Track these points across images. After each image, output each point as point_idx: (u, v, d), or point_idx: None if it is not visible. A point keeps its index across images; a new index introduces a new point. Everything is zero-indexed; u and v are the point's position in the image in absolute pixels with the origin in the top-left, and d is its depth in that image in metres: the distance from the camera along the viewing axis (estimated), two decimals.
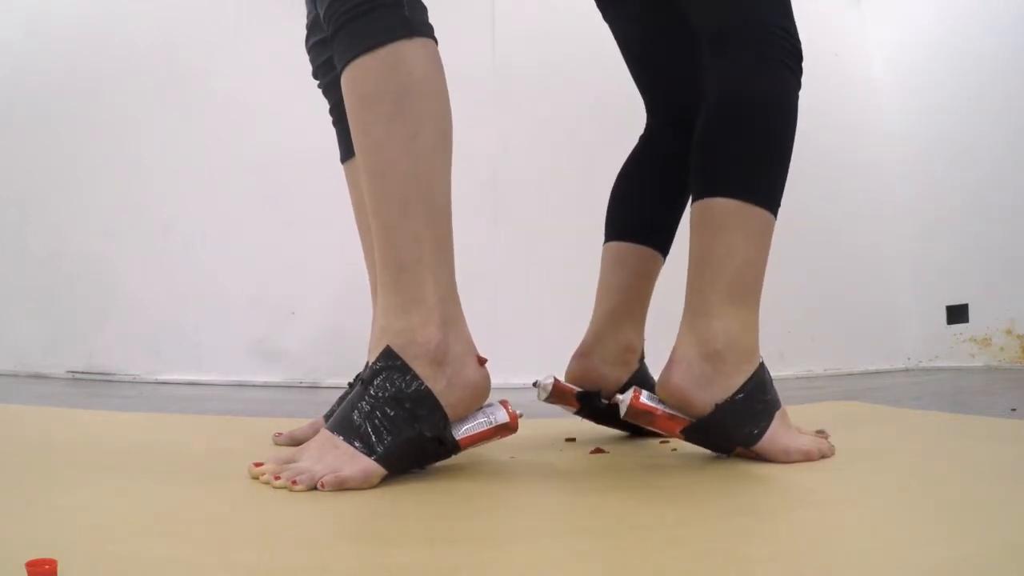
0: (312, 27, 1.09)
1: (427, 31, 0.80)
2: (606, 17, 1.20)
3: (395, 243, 0.77)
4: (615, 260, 1.12)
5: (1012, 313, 2.50)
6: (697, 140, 0.92)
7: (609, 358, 1.08)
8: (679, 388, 0.84)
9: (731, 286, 0.86)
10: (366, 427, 0.72)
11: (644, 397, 0.86)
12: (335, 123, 1.12)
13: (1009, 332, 2.51)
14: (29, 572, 0.40)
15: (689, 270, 0.90)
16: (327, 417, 1.02)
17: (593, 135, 2.47)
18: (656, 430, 0.88)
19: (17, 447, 0.91)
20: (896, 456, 0.93)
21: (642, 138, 1.18)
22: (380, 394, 0.73)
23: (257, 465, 0.73)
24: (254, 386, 2.23)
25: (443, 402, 0.75)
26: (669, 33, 1.11)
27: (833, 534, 0.55)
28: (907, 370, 2.76)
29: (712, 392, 0.84)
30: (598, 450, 0.97)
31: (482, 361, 0.80)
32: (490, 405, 0.81)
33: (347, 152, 1.11)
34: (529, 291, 2.42)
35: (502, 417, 0.80)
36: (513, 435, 0.82)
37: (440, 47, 0.82)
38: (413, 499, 0.67)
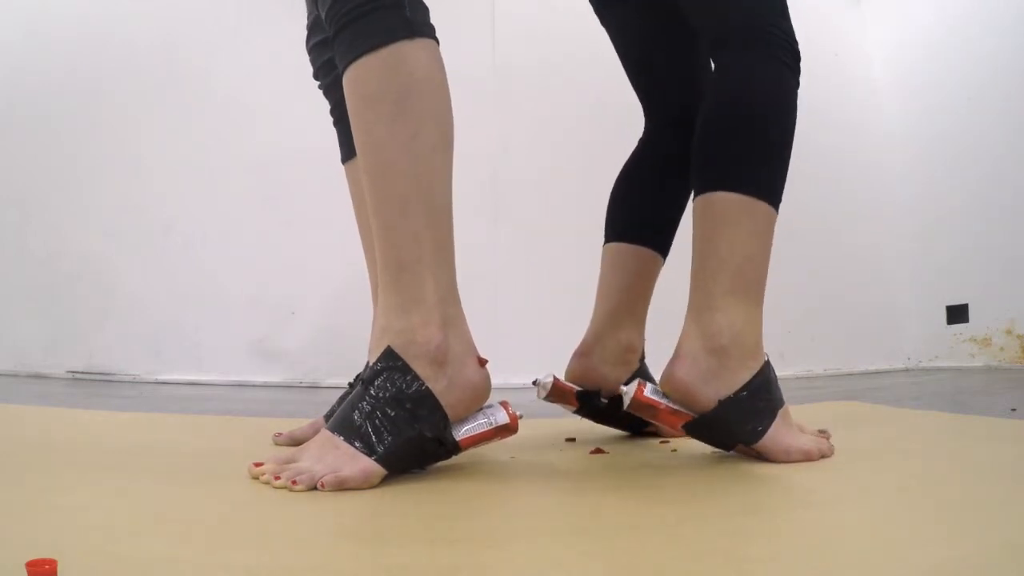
0: (313, 28, 1.09)
1: (429, 31, 0.80)
2: (603, 20, 1.21)
3: (395, 243, 0.77)
4: (615, 261, 1.12)
5: (1012, 313, 2.50)
6: (698, 137, 0.93)
7: (609, 358, 1.08)
8: (683, 382, 0.84)
9: (734, 280, 0.86)
10: (366, 427, 0.72)
11: (648, 390, 0.86)
12: (336, 123, 1.12)
13: (1009, 332, 2.51)
14: (29, 572, 0.40)
15: (692, 265, 0.90)
16: (327, 417, 1.02)
17: (593, 135, 2.47)
18: (658, 424, 0.88)
19: (17, 447, 0.91)
20: (896, 456, 0.92)
21: (641, 141, 1.19)
22: (381, 394, 0.73)
23: (257, 465, 0.73)
24: (254, 386, 2.23)
25: (443, 402, 0.75)
26: (668, 31, 1.11)
27: (833, 534, 0.55)
28: (907, 370, 2.76)
29: (716, 387, 0.84)
30: (598, 450, 0.97)
31: (483, 362, 0.80)
32: (490, 406, 0.81)
33: (348, 152, 1.11)
34: (529, 291, 2.42)
35: (502, 418, 0.80)
36: (513, 435, 0.82)
37: (440, 47, 0.82)
38: (413, 499, 0.67)
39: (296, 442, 0.97)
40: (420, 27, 0.79)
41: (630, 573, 0.46)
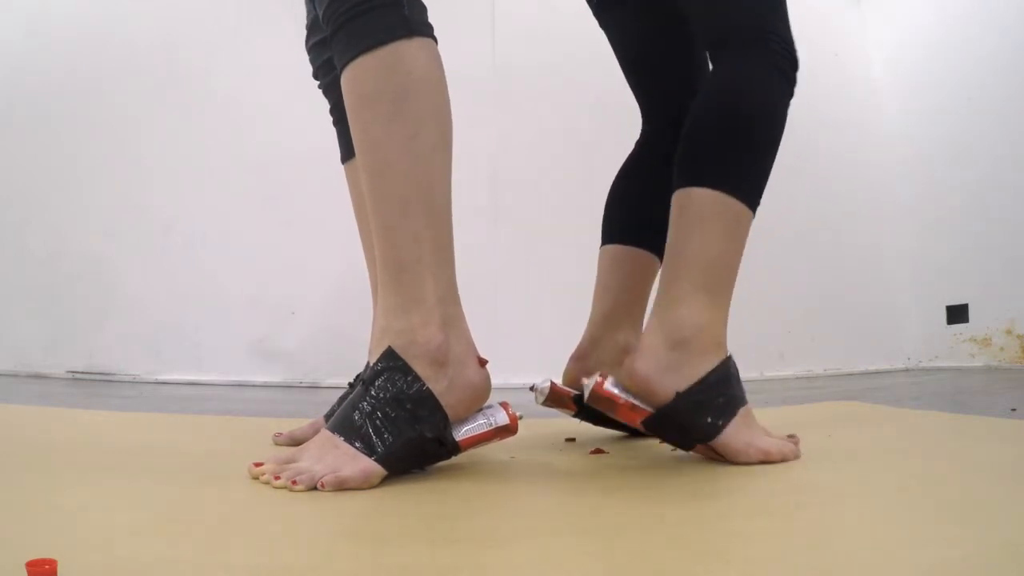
0: (312, 27, 1.09)
1: (427, 31, 0.80)
2: (601, 22, 1.21)
3: (395, 243, 0.77)
4: (612, 263, 1.12)
5: (1012, 313, 2.50)
6: (683, 133, 0.93)
7: (606, 361, 1.08)
8: (643, 375, 0.83)
9: (703, 276, 0.86)
10: (367, 427, 0.72)
11: (608, 384, 0.86)
12: (335, 123, 1.12)
13: (1009, 332, 2.51)
14: (29, 572, 0.40)
15: (664, 259, 0.91)
16: (327, 417, 1.02)
17: (593, 135, 2.47)
18: (617, 419, 0.88)
19: (17, 447, 0.91)
20: (896, 456, 0.92)
21: (638, 143, 1.19)
22: (381, 395, 0.73)
23: (257, 465, 0.73)
24: (254, 386, 2.23)
25: (444, 403, 0.75)
26: (666, 34, 1.11)
27: (833, 534, 0.55)
28: (907, 370, 2.76)
29: (675, 380, 0.83)
30: (598, 450, 0.97)
31: (483, 362, 0.80)
32: (490, 407, 0.81)
33: (347, 152, 1.11)
34: (529, 291, 2.42)
35: (502, 419, 0.80)
36: (513, 436, 0.82)
37: (440, 47, 0.82)
38: (413, 499, 0.67)
39: (296, 442, 0.97)
40: (418, 26, 0.79)
41: (630, 573, 0.46)
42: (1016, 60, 2.48)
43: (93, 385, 2.08)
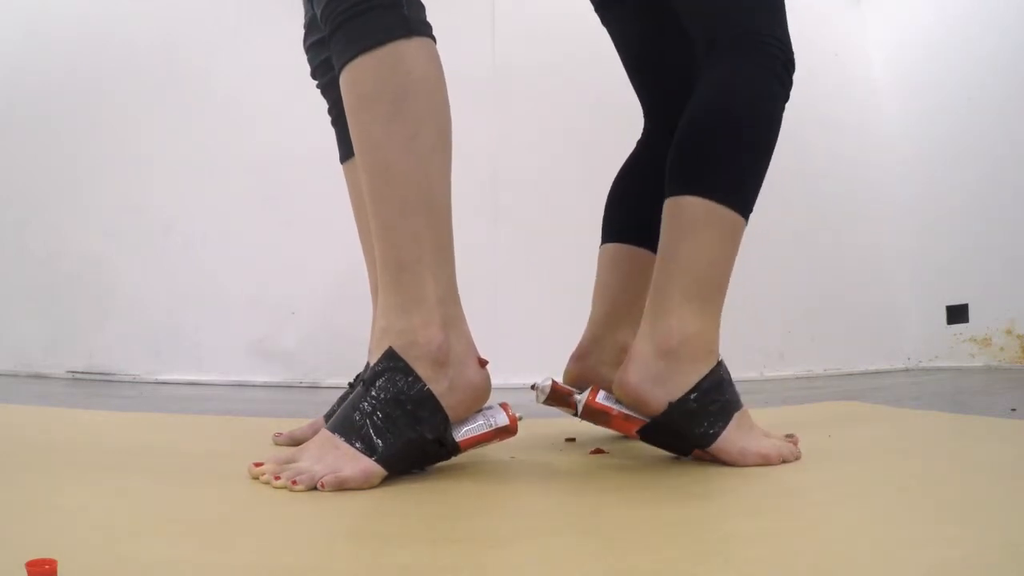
0: (310, 27, 1.09)
1: (426, 30, 0.80)
2: (604, 20, 1.20)
3: (395, 243, 0.77)
4: (612, 262, 1.12)
5: (1012, 313, 2.50)
6: (677, 136, 0.92)
7: (607, 360, 1.07)
8: (633, 386, 0.83)
9: (693, 285, 0.86)
10: (367, 428, 0.72)
11: (600, 397, 0.86)
12: (334, 123, 1.12)
13: (1009, 332, 2.51)
14: (29, 572, 0.40)
15: (655, 266, 0.90)
16: (327, 417, 1.02)
17: (593, 135, 2.47)
18: (612, 430, 0.88)
19: (17, 447, 0.91)
20: (896, 456, 0.92)
21: (640, 141, 1.19)
22: (382, 395, 0.73)
23: (257, 465, 0.73)
24: (254, 386, 2.23)
25: (444, 404, 0.75)
26: (667, 32, 1.11)
27: (833, 534, 0.55)
28: (907, 370, 2.76)
29: (666, 390, 0.83)
30: (598, 450, 0.97)
31: (483, 363, 0.80)
32: (490, 407, 0.81)
33: (346, 152, 1.11)
34: (529, 291, 2.42)
35: (502, 420, 0.80)
36: (513, 437, 0.82)
37: (440, 47, 0.82)
38: (413, 499, 0.67)
39: (296, 442, 0.97)
40: (417, 26, 0.79)
41: (630, 573, 0.46)
42: (1016, 60, 2.48)
43: (93, 385, 2.08)
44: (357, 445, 0.71)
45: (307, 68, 1.13)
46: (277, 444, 1.00)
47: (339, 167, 1.15)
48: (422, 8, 0.81)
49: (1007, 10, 2.52)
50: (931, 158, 2.78)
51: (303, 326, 2.34)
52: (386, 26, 0.76)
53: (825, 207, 2.80)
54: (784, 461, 0.85)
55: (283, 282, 2.35)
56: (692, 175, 0.88)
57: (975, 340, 2.61)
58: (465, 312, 0.81)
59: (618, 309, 1.09)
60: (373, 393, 0.74)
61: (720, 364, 0.86)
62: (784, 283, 2.65)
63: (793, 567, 0.47)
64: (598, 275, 1.13)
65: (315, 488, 0.68)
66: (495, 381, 0.82)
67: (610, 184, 1.18)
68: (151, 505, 0.62)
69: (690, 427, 0.83)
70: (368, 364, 0.78)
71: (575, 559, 0.50)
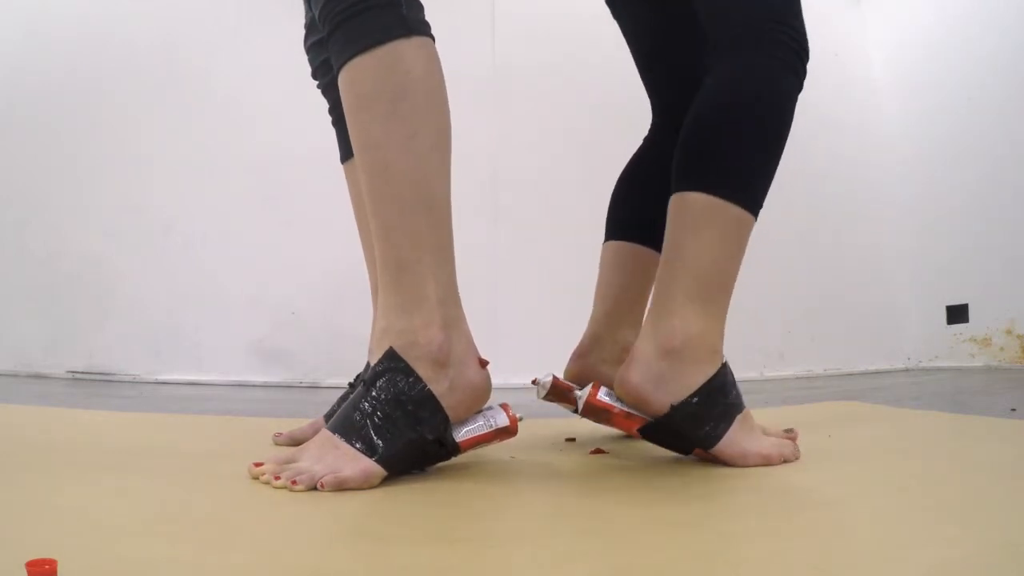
0: (310, 27, 1.09)
1: (425, 29, 0.80)
2: (614, 12, 1.18)
3: (395, 243, 0.77)
4: (615, 260, 1.11)
5: (1012, 313, 2.50)
6: (684, 131, 0.90)
7: (608, 358, 1.07)
8: (635, 386, 0.82)
9: (697, 284, 0.84)
10: (367, 428, 0.72)
11: (602, 394, 0.85)
12: (334, 123, 1.12)
13: (1009, 332, 2.51)
14: (29, 572, 0.40)
15: (660, 264, 0.88)
16: (327, 417, 1.02)
17: (593, 135, 2.47)
18: (613, 428, 0.88)
19: (17, 447, 0.91)
20: (896, 456, 0.92)
21: (647, 138, 1.17)
22: (382, 395, 0.73)
23: (257, 465, 0.73)
24: (254, 386, 2.23)
25: (445, 404, 0.75)
26: (680, 25, 1.08)
27: (833, 534, 0.55)
28: (907, 370, 2.76)
29: (669, 392, 0.82)
30: (598, 450, 0.97)
31: (483, 363, 0.80)
32: (490, 408, 0.81)
33: (347, 152, 1.11)
34: (529, 291, 2.42)
35: (502, 420, 0.80)
36: (513, 437, 0.82)
37: (440, 47, 0.82)
38: (413, 499, 0.67)
39: (296, 442, 0.97)
40: (416, 25, 0.78)
41: (630, 573, 0.46)
42: (1016, 60, 2.48)
43: (93, 385, 2.08)
44: (357, 445, 0.71)
45: (307, 68, 1.13)
46: (277, 444, 1.00)
47: (339, 167, 1.15)
48: (421, 8, 0.81)
49: (1007, 10, 2.52)
50: (931, 158, 2.78)
51: (303, 326, 2.34)
52: (384, 25, 0.76)
53: (825, 207, 2.80)
54: (785, 461, 0.85)
55: (283, 282, 2.35)
56: (698, 170, 0.86)
57: (975, 340, 2.61)
58: (465, 312, 0.81)
59: (620, 308, 1.09)
60: (373, 393, 0.74)
61: (724, 366, 0.85)
62: (784, 283, 2.65)
63: (793, 567, 0.47)
64: (600, 273, 1.13)
65: (315, 488, 0.68)
66: (495, 381, 0.82)
67: (610, 183, 1.17)
68: (151, 505, 0.62)
69: (692, 429, 0.83)
70: (368, 364, 0.78)
71: (575, 559, 0.50)
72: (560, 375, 1.07)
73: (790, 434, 0.92)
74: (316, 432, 0.80)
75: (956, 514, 0.60)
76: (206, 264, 2.33)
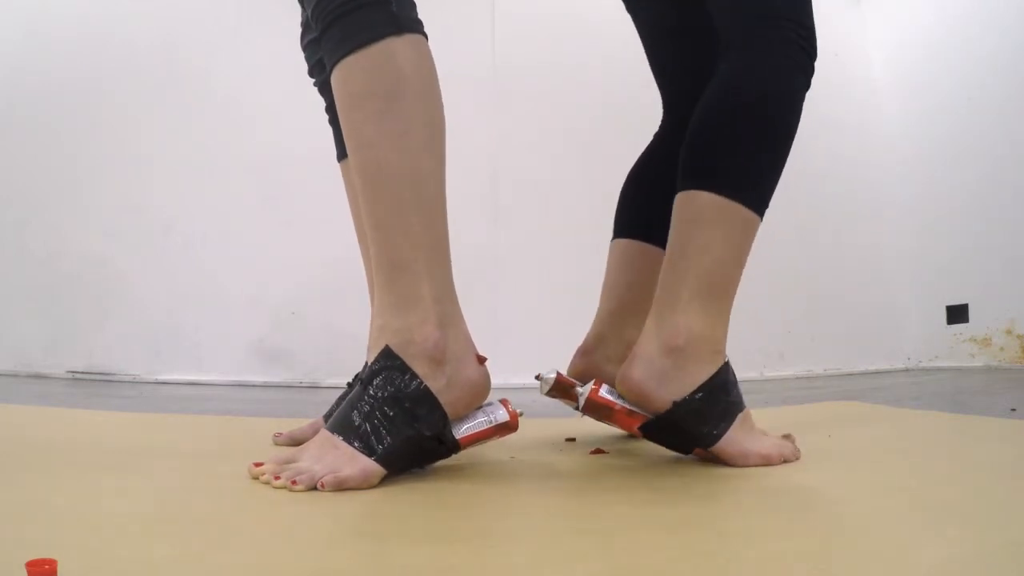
0: (307, 25, 1.09)
1: (417, 27, 0.80)
2: (628, 7, 1.18)
3: (390, 242, 0.77)
4: (622, 257, 1.10)
5: (1012, 313, 2.50)
6: (691, 129, 0.90)
7: (612, 356, 1.07)
8: (637, 383, 0.83)
9: (702, 283, 0.84)
10: (365, 427, 0.72)
11: (604, 391, 0.85)
12: (331, 122, 1.12)
13: (1009, 332, 2.51)
14: (29, 572, 0.40)
15: (664, 263, 0.88)
16: (327, 417, 1.02)
17: (593, 135, 2.47)
18: (614, 426, 0.88)
19: (17, 447, 0.91)
20: (896, 456, 0.92)
21: (657, 134, 1.17)
22: (379, 394, 0.73)
23: (257, 465, 0.73)
24: (254, 386, 2.23)
25: (442, 401, 0.75)
26: (693, 21, 1.08)
27: (833, 534, 0.55)
28: (907, 370, 2.76)
29: (671, 389, 0.82)
30: (598, 450, 0.97)
31: (482, 360, 0.80)
32: (490, 404, 0.81)
33: (343, 151, 1.11)
34: (529, 291, 2.42)
35: (502, 416, 0.80)
36: (513, 435, 0.82)
37: (440, 46, 0.81)
38: (413, 499, 0.67)
39: (296, 442, 0.97)
40: (408, 23, 0.78)
41: (630, 573, 0.46)
42: (1016, 60, 2.48)
43: (93, 385, 2.08)
44: (356, 444, 0.71)
45: (306, 68, 1.13)
46: (277, 444, 1.00)
47: (339, 167, 1.15)
48: (413, 5, 0.81)
49: (1007, 10, 2.52)
50: (931, 158, 2.78)
51: (303, 326, 2.34)
52: (376, 24, 0.76)
53: (825, 207, 2.80)
54: (785, 461, 0.84)
55: (283, 282, 2.35)
56: (704, 170, 0.86)
57: (975, 340, 2.61)
58: (465, 312, 0.81)
59: (625, 306, 1.08)
60: (371, 392, 0.74)
61: (726, 364, 0.86)
62: (784, 283, 2.65)
63: (793, 567, 0.47)
64: (607, 271, 1.12)
65: (315, 488, 0.68)
66: (495, 381, 0.82)
67: (610, 183, 1.17)
68: (151, 505, 0.62)
69: (693, 426, 0.83)
70: (367, 363, 0.78)
71: (575, 559, 0.50)
72: (563, 371, 1.07)
73: (788, 438, 0.92)
74: (316, 432, 0.80)
75: (956, 514, 0.60)
76: (206, 264, 2.33)
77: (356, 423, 0.72)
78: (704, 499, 0.70)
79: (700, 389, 0.82)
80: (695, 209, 0.86)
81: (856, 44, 2.99)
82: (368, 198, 0.77)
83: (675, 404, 0.82)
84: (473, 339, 0.81)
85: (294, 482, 0.68)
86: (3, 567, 0.43)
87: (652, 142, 1.16)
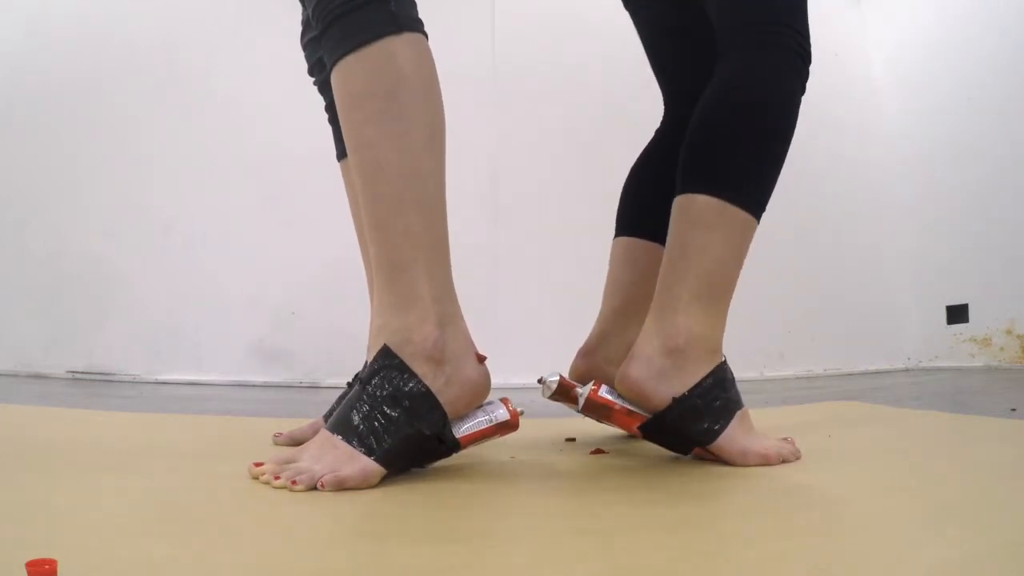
0: (307, 24, 1.09)
1: (416, 26, 0.80)
2: (627, 5, 1.18)
3: (389, 241, 0.77)
4: (625, 256, 1.10)
5: (1012, 313, 2.50)
6: (690, 131, 0.90)
7: (614, 357, 1.06)
8: (637, 382, 0.83)
9: (701, 285, 0.85)
10: (365, 427, 0.72)
11: (603, 391, 0.86)
12: (331, 121, 1.12)
13: (1009, 332, 2.51)
14: (29, 572, 0.40)
15: (662, 264, 0.89)
16: (327, 417, 1.02)
17: (593, 135, 2.47)
18: (614, 426, 0.88)
19: (17, 447, 0.91)
20: (896, 456, 0.92)
21: (658, 131, 1.17)
22: (378, 393, 0.73)
23: (257, 465, 0.73)
24: (254, 386, 2.23)
25: (442, 400, 0.75)
26: (691, 19, 1.08)
27: (833, 534, 0.55)
28: (907, 370, 2.76)
29: (670, 386, 0.83)
30: (598, 450, 0.97)
31: (481, 359, 0.80)
32: (490, 403, 0.81)
33: (343, 150, 1.11)
34: (529, 291, 2.42)
35: (503, 415, 0.80)
36: (513, 434, 0.82)
37: (440, 46, 0.81)
38: (413, 499, 0.67)
39: (296, 442, 0.97)
40: (407, 22, 0.78)
41: (630, 573, 0.46)
42: (1016, 60, 2.48)
43: (93, 385, 2.08)
44: (355, 444, 0.71)
45: (306, 67, 1.13)
46: (277, 444, 1.00)
47: (339, 167, 1.15)
48: (413, 4, 0.81)
49: (1007, 10, 2.52)
50: (931, 158, 2.78)
51: (303, 326, 2.34)
52: (375, 23, 0.76)
53: (825, 207, 2.80)
54: (784, 461, 0.85)
55: (283, 282, 2.35)
56: (703, 173, 0.87)
57: (975, 340, 2.61)
58: (465, 312, 0.81)
59: (628, 305, 1.08)
60: (370, 391, 0.74)
61: (724, 363, 0.86)
62: (784, 283, 2.65)
63: (793, 567, 0.47)
64: (610, 270, 1.12)
65: (315, 488, 0.68)
66: (495, 380, 0.82)
67: (611, 183, 1.17)
68: (151, 505, 0.62)
69: (693, 424, 0.83)
70: (366, 363, 0.78)
71: (575, 559, 0.50)
72: (564, 373, 1.07)
73: (787, 440, 0.92)
74: (316, 432, 0.80)
75: (956, 514, 0.60)
76: (206, 264, 2.33)
77: (356, 423, 0.72)
78: (704, 499, 0.70)
79: (699, 386, 0.83)
80: (695, 211, 0.86)
81: (856, 44, 3.00)
82: (368, 198, 0.77)
83: (674, 401, 0.83)
84: (473, 339, 0.81)
85: (294, 482, 0.68)
86: (3, 567, 0.43)
87: (653, 139, 1.16)
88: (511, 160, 2.49)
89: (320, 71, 1.09)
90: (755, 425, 0.88)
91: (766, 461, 0.83)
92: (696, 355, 0.84)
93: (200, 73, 2.40)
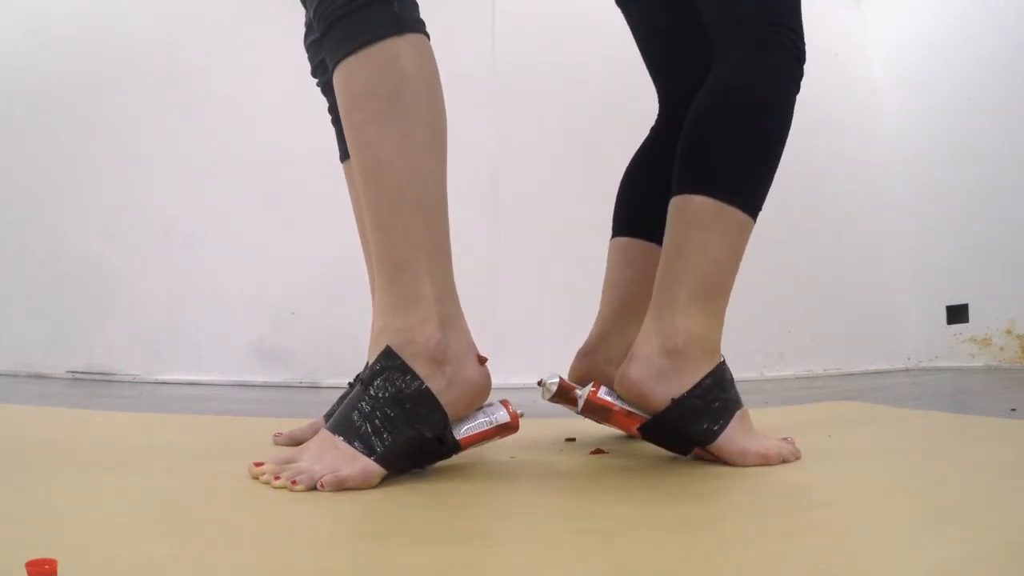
0: (310, 26, 1.09)
1: (418, 27, 0.80)
2: (620, 4, 1.18)
3: (391, 242, 0.77)
4: (622, 256, 1.10)
5: (1012, 313, 2.50)
6: (686, 131, 0.91)
7: (614, 358, 1.06)
8: (636, 383, 0.83)
9: (699, 285, 0.85)
10: (366, 427, 0.72)
11: (602, 392, 0.86)
12: (333, 122, 1.12)
13: (1009, 332, 2.51)
14: (29, 572, 0.40)
15: (660, 264, 0.89)
16: (327, 417, 1.02)
17: (593, 135, 2.47)
18: (613, 427, 0.88)
19: (17, 447, 0.91)
20: (896, 456, 0.92)
21: (653, 129, 1.16)
22: (380, 394, 0.73)
23: (257, 465, 0.73)
24: (254, 386, 2.23)
25: (443, 401, 0.75)
26: (684, 18, 1.08)
27: (833, 534, 0.55)
28: (907, 370, 2.76)
29: (669, 387, 0.83)
30: (598, 450, 0.97)
31: (482, 360, 0.80)
32: (491, 404, 0.81)
33: (346, 151, 1.11)
34: (529, 291, 2.42)
35: (503, 417, 0.80)
36: (513, 435, 0.82)
37: (440, 46, 0.81)
38: (413, 499, 0.67)
39: (296, 442, 0.97)
40: (409, 22, 0.78)
41: (630, 573, 0.46)
42: (1016, 60, 2.48)
43: (93, 385, 2.08)
44: (356, 444, 0.71)
45: (307, 68, 1.13)
46: (277, 444, 1.00)
47: (339, 167, 1.15)
48: (415, 5, 0.81)
49: (1007, 10, 2.52)
50: (931, 158, 2.78)
51: (303, 326, 2.34)
52: (378, 23, 0.76)
53: (825, 207, 2.80)
54: (784, 461, 0.85)
55: (283, 282, 2.35)
56: (700, 174, 0.87)
57: (975, 340, 2.61)
58: (465, 312, 0.81)
59: (627, 306, 1.08)
60: (371, 392, 0.74)
61: (723, 363, 0.86)
62: (784, 283, 2.65)
63: (793, 567, 0.47)
64: (607, 270, 1.12)
65: (315, 488, 0.68)
66: (495, 381, 0.82)
67: (611, 183, 1.16)
68: (151, 505, 0.62)
69: (692, 424, 0.83)
70: (367, 363, 0.78)
71: (575, 559, 0.50)
72: (564, 374, 1.07)
73: (787, 441, 0.92)
74: (316, 432, 0.80)
75: (956, 514, 0.60)
76: (206, 264, 2.33)
77: (356, 423, 0.72)
78: (704, 499, 0.70)
79: (698, 386, 0.83)
80: (692, 212, 0.87)
81: (856, 44, 3.00)
82: (369, 198, 0.77)
83: (674, 401, 0.83)
84: (472, 338, 0.81)
85: (294, 482, 0.68)
86: (3, 567, 0.43)
87: (648, 138, 1.16)
88: (511, 160, 2.49)
89: (323, 73, 1.09)
90: (755, 425, 0.88)
91: (766, 461, 0.83)
92: (695, 355, 0.84)
93: (200, 73, 2.40)
